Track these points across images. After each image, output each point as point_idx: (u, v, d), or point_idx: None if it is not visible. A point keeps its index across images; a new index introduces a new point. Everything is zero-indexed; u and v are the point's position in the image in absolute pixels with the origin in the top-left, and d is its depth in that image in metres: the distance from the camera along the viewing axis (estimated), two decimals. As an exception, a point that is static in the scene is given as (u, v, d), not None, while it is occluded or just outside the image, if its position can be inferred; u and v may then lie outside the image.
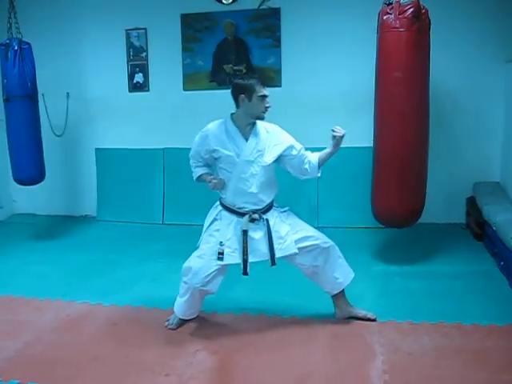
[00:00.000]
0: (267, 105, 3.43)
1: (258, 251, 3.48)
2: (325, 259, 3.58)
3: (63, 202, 6.74)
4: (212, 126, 3.54)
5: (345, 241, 5.26)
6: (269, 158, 3.49)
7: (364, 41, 5.14)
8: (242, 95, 3.39)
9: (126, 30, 6.15)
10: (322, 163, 3.56)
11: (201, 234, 3.62)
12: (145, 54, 6.15)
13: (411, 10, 4.24)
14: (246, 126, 3.48)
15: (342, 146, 3.47)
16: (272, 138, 3.52)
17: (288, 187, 5.80)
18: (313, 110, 5.84)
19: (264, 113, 3.46)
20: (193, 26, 5.97)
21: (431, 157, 4.72)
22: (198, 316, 3.76)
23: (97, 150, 6.52)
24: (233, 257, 3.47)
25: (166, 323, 3.69)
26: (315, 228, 3.71)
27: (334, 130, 3.42)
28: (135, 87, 6.24)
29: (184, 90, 6.15)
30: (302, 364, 3.24)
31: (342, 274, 3.65)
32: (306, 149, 3.60)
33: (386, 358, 3.25)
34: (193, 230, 3.98)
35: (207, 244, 3.53)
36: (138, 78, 6.21)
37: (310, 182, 5.79)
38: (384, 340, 3.46)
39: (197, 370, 3.18)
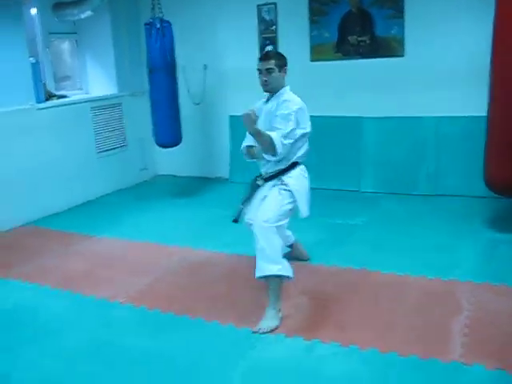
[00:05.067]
0: (263, 78, 3.62)
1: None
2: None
3: (199, 165, 7.41)
4: None
5: (458, 208, 5.45)
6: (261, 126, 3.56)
7: (482, 7, 5.12)
8: None
9: (258, 6, 6.57)
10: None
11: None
12: (274, 27, 6.55)
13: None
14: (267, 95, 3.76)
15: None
16: (276, 109, 3.61)
17: (407, 155, 6.06)
18: (434, 79, 5.89)
19: (262, 86, 3.68)
20: (319, 0, 6.26)
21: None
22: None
23: (231, 117, 7.06)
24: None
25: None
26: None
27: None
28: (266, 59, 6.68)
29: (311, 60, 6.47)
30: (390, 314, 3.54)
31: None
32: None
33: (472, 314, 3.47)
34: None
35: None
36: (269, 49, 6.64)
37: (428, 150, 5.96)
38: (474, 299, 3.65)
39: (295, 309, 3.62)
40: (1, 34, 5.46)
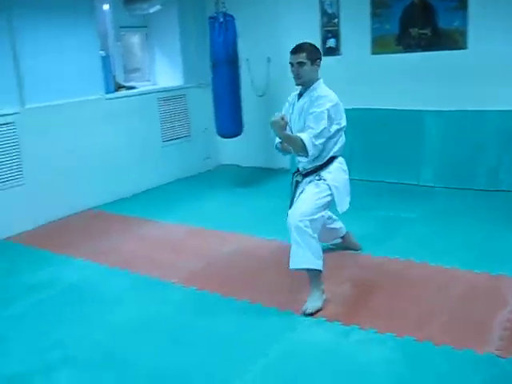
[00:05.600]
0: (295, 72, 3.60)
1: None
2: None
3: (262, 156, 7.55)
4: None
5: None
6: (295, 124, 3.67)
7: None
8: None
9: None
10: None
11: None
12: (336, 20, 6.61)
13: None
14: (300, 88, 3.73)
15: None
16: (310, 106, 3.59)
17: (468, 149, 5.98)
18: (497, 73, 5.79)
19: (294, 80, 3.66)
20: (382, -8, 6.28)
21: None
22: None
23: (292, 109, 7.19)
24: None
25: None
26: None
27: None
28: (328, 51, 6.74)
29: (372, 53, 6.49)
30: (431, 305, 3.58)
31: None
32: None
33: (517, 309, 3.46)
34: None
35: None
36: (331, 42, 6.70)
37: (490, 144, 5.87)
38: (522, 294, 3.64)
39: (338, 296, 3.72)
40: (74, 28, 5.80)
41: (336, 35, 6.66)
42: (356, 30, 6.50)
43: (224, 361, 3.10)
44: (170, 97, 7.04)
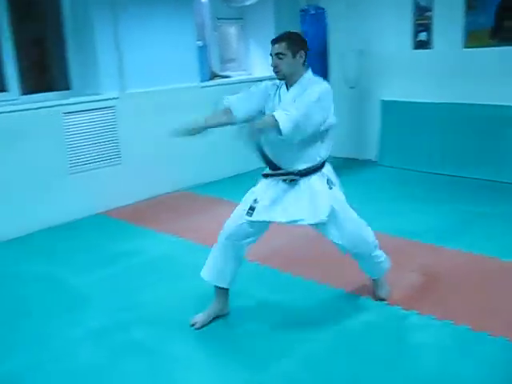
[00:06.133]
0: (272, 64, 3.19)
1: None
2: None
3: (349, 146, 7.65)
4: None
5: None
6: None
7: None
8: None
9: (414, -8, 6.68)
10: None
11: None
12: (430, 13, 6.57)
13: None
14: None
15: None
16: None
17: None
18: None
19: (274, 73, 3.22)
20: (478, -15, 6.18)
21: None
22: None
23: (382, 101, 7.24)
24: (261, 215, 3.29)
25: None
26: None
27: None
28: (419, 45, 6.73)
29: (464, 47, 6.41)
30: (496, 299, 3.60)
31: None
32: None
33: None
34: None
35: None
36: (422, 36, 6.68)
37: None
38: None
39: (404, 283, 3.85)
40: (174, 19, 6.19)
41: (428, 28, 6.63)
42: (449, 23, 6.43)
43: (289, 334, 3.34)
44: (262, 87, 7.28)
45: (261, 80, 7.11)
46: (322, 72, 6.40)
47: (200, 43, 6.67)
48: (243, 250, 3.41)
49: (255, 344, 3.24)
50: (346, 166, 7.25)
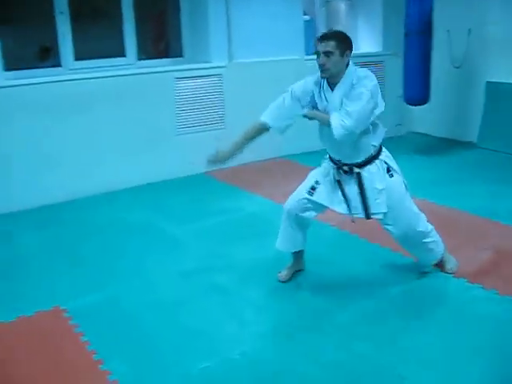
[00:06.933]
0: (320, 62, 3.17)
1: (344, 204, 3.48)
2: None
3: (450, 127, 7.63)
4: None
5: None
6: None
7: None
8: None
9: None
10: None
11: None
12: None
13: None
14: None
15: None
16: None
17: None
18: None
19: (320, 71, 3.21)
20: None
21: None
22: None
23: (488, 83, 7.14)
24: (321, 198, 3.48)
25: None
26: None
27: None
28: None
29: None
30: None
31: None
32: None
33: None
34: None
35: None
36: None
37: None
38: None
39: (474, 259, 3.99)
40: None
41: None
42: None
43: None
44: (366, 62, 7.42)
45: (365, 56, 7.39)
46: (425, 50, 6.47)
47: (307, 17, 6.92)
48: (306, 220, 3.64)
49: (321, 297, 3.60)
50: (444, 147, 7.30)
